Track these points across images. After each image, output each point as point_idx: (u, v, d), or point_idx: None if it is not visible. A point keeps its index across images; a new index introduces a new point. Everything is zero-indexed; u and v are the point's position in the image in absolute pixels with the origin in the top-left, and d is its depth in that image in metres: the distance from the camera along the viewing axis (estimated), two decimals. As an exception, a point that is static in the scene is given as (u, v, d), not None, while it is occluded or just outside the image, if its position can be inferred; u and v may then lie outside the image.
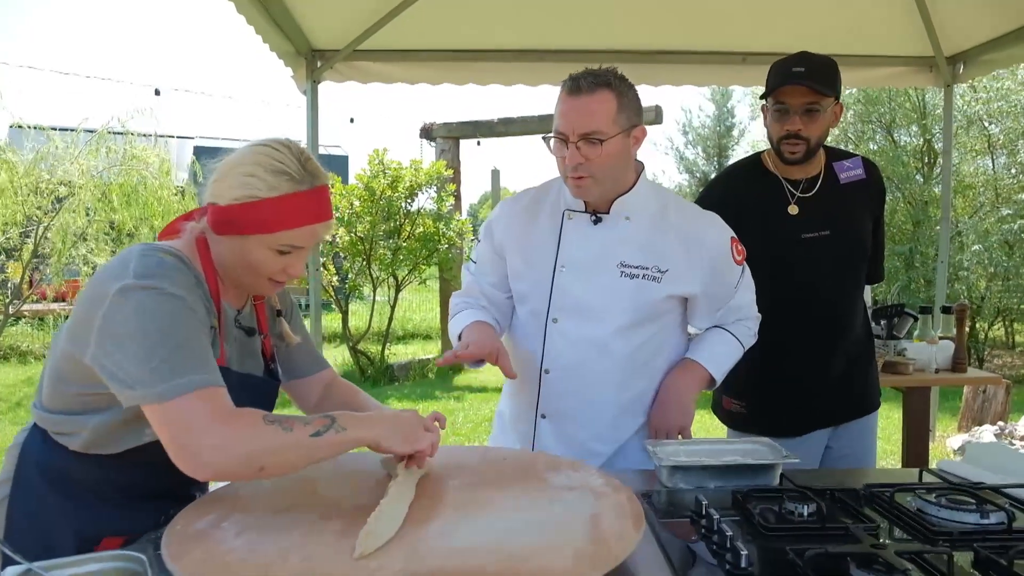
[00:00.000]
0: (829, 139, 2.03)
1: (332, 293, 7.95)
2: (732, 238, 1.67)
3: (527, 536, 0.99)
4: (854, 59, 3.99)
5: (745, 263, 1.71)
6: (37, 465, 1.20)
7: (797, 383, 1.98)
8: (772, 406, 1.99)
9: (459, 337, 1.65)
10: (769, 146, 1.98)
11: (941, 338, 2.97)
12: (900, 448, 3.01)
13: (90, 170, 8.21)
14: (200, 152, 12.31)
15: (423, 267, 8.33)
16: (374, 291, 8.09)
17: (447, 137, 8.81)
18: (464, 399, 6.86)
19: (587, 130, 1.47)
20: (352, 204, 7.50)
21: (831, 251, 1.93)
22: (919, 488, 1.24)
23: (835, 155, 2.03)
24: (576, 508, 1.10)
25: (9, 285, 8.61)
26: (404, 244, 7.72)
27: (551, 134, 1.54)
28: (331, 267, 7.71)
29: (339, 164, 16.03)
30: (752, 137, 16.75)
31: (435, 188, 7.92)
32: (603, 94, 1.47)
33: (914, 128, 9.75)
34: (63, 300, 10.03)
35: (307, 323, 1.60)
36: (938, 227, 5.76)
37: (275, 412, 1.16)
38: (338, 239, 7.44)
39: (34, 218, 8.16)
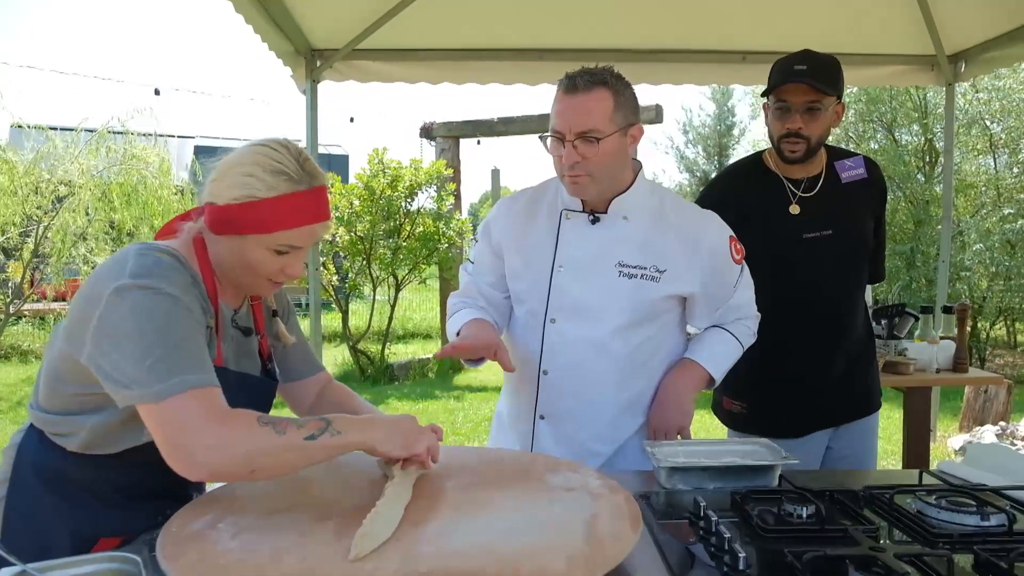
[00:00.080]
0: (830, 138, 2.02)
1: (332, 292, 7.96)
2: (731, 237, 1.66)
3: (524, 538, 0.99)
4: (855, 58, 3.97)
5: (744, 262, 1.70)
6: (33, 466, 1.19)
7: (798, 383, 1.97)
8: (773, 406, 1.98)
9: (457, 335, 1.64)
10: (770, 145, 1.97)
11: (942, 338, 2.96)
12: (901, 448, 3.00)
13: (90, 170, 8.23)
14: (201, 152, 12.32)
15: (423, 266, 8.34)
16: (374, 290, 8.09)
17: (447, 136, 8.81)
18: (464, 399, 6.85)
19: (584, 128, 1.47)
20: (352, 203, 7.50)
21: (833, 251, 1.92)
22: (919, 490, 1.23)
23: (836, 154, 2.02)
24: (574, 510, 1.09)
25: (10, 284, 8.63)
26: (404, 243, 7.72)
27: (548, 133, 1.54)
28: (331, 266, 7.71)
29: (339, 163, 16.03)
30: (753, 136, 16.73)
31: (435, 187, 7.92)
32: (599, 92, 1.47)
33: (915, 127, 9.74)
34: (63, 299, 10.04)
35: (307, 322, 1.60)
36: (939, 226, 5.76)
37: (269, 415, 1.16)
38: (338, 238, 7.44)
39: (34, 218, 8.18)
